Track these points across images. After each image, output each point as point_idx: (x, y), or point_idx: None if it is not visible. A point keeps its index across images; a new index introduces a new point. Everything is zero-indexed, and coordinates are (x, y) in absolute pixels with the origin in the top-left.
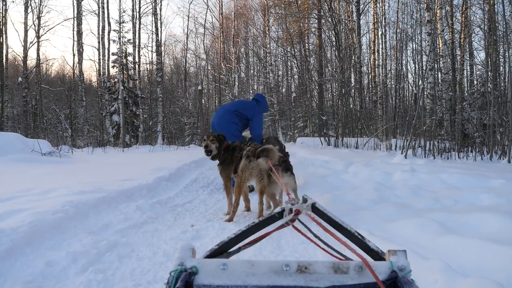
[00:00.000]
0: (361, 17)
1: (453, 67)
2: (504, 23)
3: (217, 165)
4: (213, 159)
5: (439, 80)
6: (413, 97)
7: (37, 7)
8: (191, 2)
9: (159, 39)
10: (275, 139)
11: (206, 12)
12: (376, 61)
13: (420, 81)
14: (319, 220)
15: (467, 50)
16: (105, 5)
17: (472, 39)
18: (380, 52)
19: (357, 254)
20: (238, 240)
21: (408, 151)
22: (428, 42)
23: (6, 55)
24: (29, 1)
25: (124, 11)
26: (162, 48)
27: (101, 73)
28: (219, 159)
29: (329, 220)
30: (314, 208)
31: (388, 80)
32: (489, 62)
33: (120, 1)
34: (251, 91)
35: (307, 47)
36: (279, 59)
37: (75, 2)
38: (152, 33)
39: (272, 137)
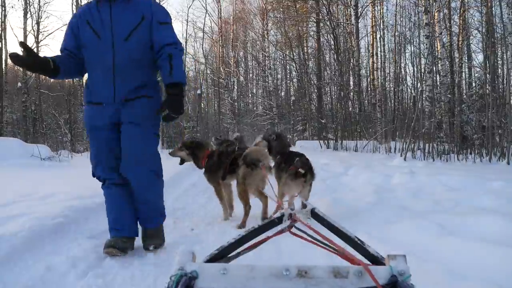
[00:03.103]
0: (359, 21)
1: (452, 70)
2: (501, 25)
3: (203, 173)
4: (199, 167)
5: (438, 83)
6: (412, 99)
7: (36, 13)
8: (189, 7)
9: None
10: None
11: (205, 16)
12: (375, 64)
13: (419, 84)
14: (317, 228)
15: (465, 52)
16: None
17: (470, 42)
18: (379, 55)
19: (356, 261)
20: (238, 245)
21: (408, 154)
22: (426, 44)
23: (6, 60)
24: (28, 7)
25: None
26: None
27: None
28: (204, 167)
29: (328, 226)
30: (314, 214)
31: (387, 83)
32: (487, 64)
33: None
34: (250, 95)
35: (305, 51)
36: (278, 63)
37: (74, 7)
38: None
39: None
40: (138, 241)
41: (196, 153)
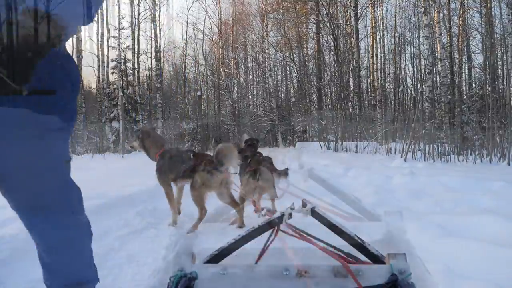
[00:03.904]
0: (359, 22)
1: (452, 70)
2: (501, 26)
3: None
4: (152, 160)
5: (438, 84)
6: (412, 100)
7: None
8: (189, 8)
9: (158, 45)
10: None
11: (205, 18)
12: (375, 65)
13: (419, 85)
14: (316, 226)
15: (465, 53)
16: (104, 12)
17: (470, 42)
18: (379, 56)
19: (352, 260)
20: (237, 245)
21: (408, 155)
22: (426, 45)
23: None
24: None
25: (123, 18)
26: (161, 54)
27: (101, 80)
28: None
29: (329, 225)
30: (314, 213)
31: (387, 84)
32: (487, 65)
33: (119, 7)
34: (250, 96)
35: (305, 52)
36: (278, 64)
37: None
38: (151, 39)
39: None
40: (140, 239)
41: (147, 147)
